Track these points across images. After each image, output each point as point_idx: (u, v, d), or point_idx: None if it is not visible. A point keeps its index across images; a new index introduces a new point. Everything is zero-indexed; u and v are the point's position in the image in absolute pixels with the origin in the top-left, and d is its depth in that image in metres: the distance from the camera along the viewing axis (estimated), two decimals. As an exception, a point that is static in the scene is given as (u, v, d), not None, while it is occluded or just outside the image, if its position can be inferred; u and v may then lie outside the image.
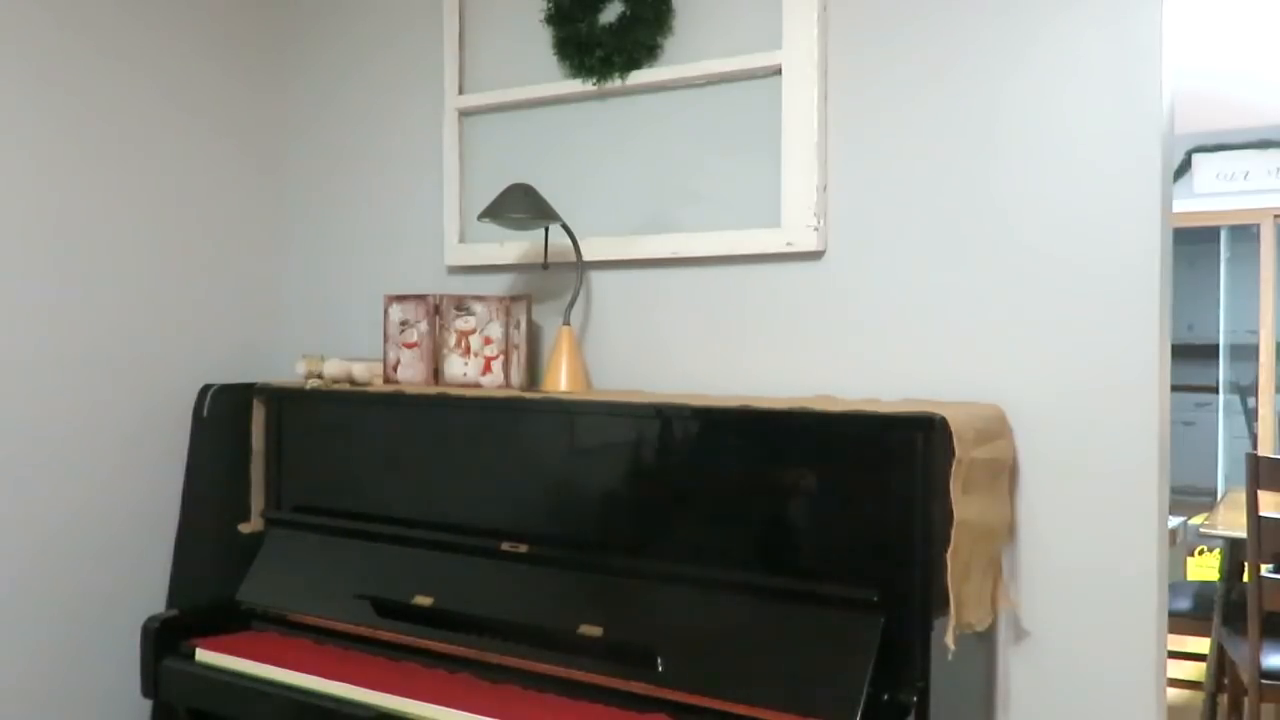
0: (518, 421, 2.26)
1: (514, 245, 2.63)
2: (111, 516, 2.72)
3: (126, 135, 2.73)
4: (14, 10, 2.51)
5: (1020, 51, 2.06)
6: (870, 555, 1.84)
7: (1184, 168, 5.97)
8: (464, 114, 2.73)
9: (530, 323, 2.57)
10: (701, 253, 2.37)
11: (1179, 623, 3.54)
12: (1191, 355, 6.90)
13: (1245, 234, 6.36)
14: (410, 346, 2.54)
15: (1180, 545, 5.12)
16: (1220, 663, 3.54)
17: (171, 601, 2.74)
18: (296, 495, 2.58)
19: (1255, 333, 6.09)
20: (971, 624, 1.85)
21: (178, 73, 2.84)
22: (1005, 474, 2.01)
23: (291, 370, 2.81)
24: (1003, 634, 2.06)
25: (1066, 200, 2.01)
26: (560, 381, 2.37)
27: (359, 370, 2.56)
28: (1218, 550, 4.44)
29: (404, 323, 2.55)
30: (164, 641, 2.36)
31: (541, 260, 2.51)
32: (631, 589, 2.04)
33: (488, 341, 2.47)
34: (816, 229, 2.23)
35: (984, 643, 2.03)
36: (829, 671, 1.78)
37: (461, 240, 2.74)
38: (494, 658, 2.12)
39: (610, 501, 2.13)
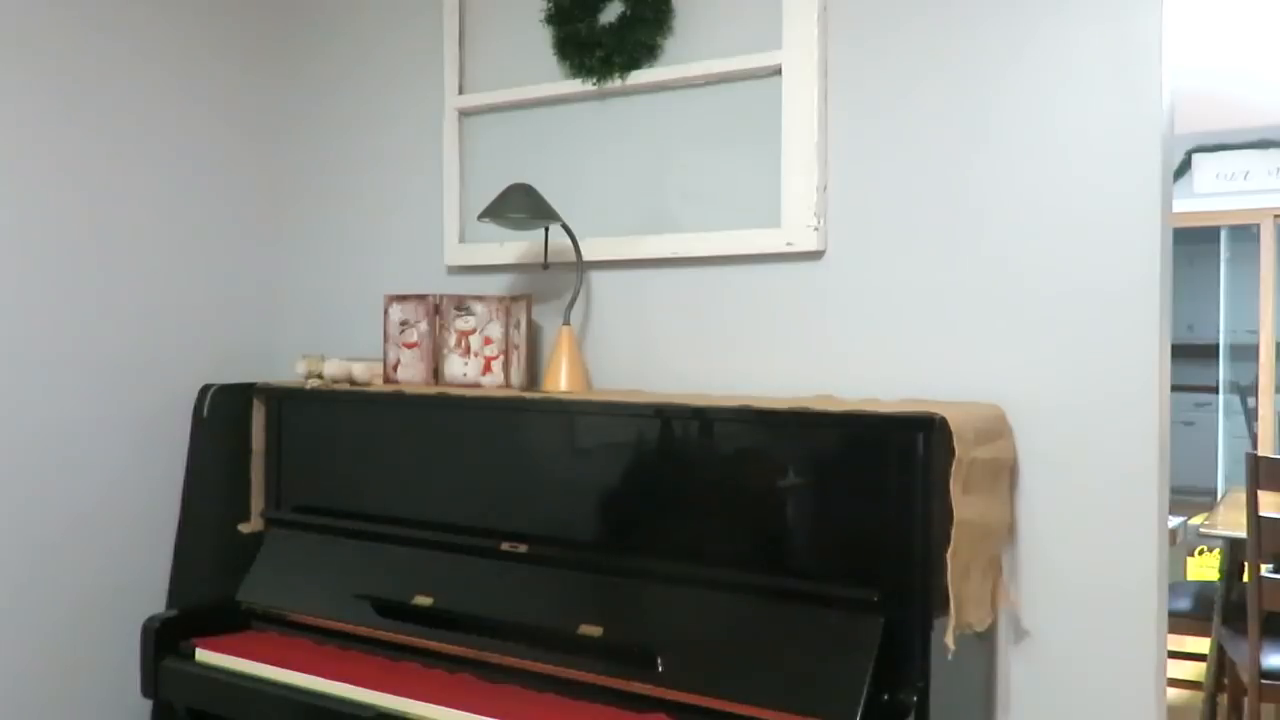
0: (518, 421, 2.26)
1: (514, 245, 2.63)
2: (111, 516, 2.72)
3: (125, 135, 2.73)
4: (12, 2, 2.51)
5: (1020, 51, 2.06)
6: (870, 555, 1.84)
7: (1184, 168, 5.97)
8: (464, 114, 2.73)
9: (530, 323, 2.57)
10: (701, 253, 2.37)
11: (1179, 623, 3.54)
12: (1191, 355, 6.90)
13: (1245, 234, 6.36)
14: (410, 346, 2.54)
15: (1180, 545, 5.12)
16: (1220, 663, 3.54)
17: (171, 601, 2.74)
18: (296, 495, 2.58)
19: (1255, 333, 6.09)
20: (971, 624, 1.85)
21: (177, 74, 2.84)
22: (1005, 474, 2.01)
23: (291, 370, 2.81)
24: (1003, 634, 2.06)
25: (1066, 200, 2.01)
26: (560, 381, 2.37)
27: (359, 370, 2.56)
28: (1218, 550, 4.44)
29: (404, 323, 2.55)
30: (164, 641, 2.37)
31: (541, 260, 2.51)
32: (631, 589, 2.04)
33: (488, 341, 2.47)
34: (816, 229, 2.23)
35: (984, 643, 2.03)
36: (829, 671, 1.78)
37: (461, 240, 2.74)
38: (494, 658, 2.13)
39: (610, 501, 2.13)
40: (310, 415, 2.59)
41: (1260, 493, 2.96)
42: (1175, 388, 2.07)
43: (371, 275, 2.91)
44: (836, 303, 2.24)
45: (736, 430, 2.02)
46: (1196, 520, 4.09)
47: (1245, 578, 3.03)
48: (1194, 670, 3.99)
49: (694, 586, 1.97)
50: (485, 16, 2.71)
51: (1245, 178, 5.91)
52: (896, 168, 2.18)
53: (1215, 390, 7.02)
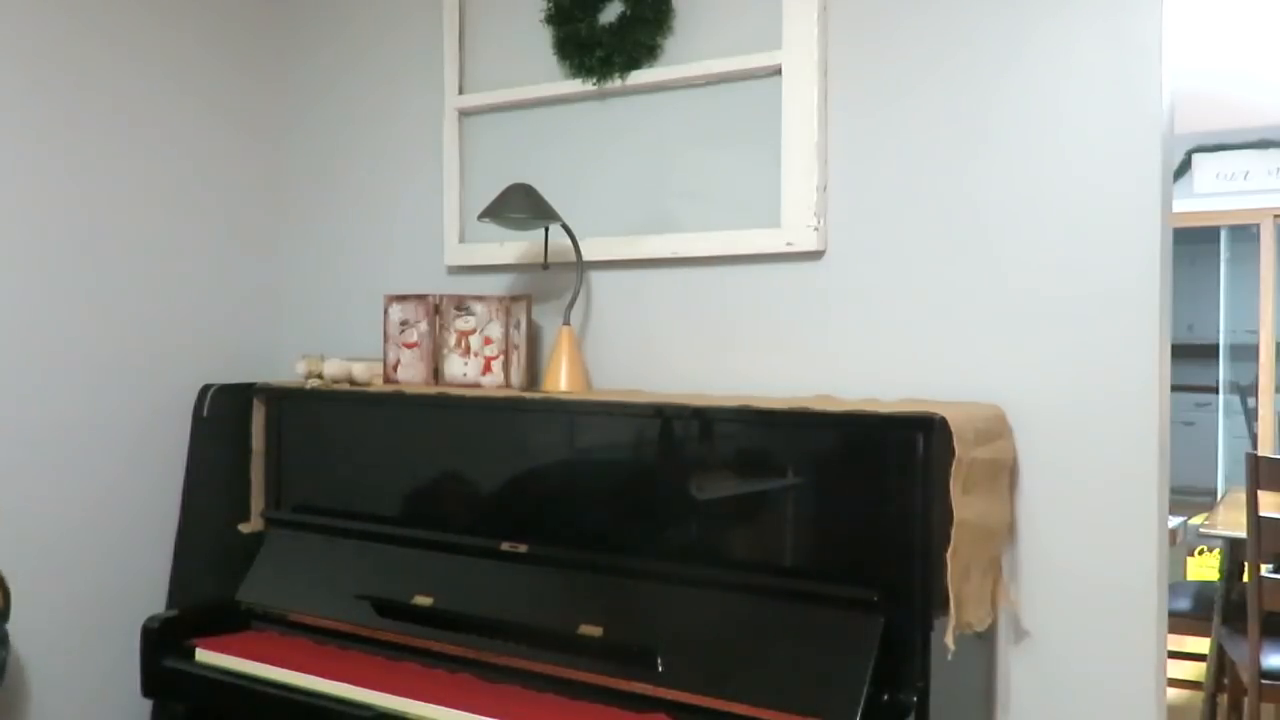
0: (518, 421, 2.26)
1: (514, 245, 2.63)
2: (111, 516, 2.72)
3: (125, 135, 2.73)
4: (12, 8, 2.51)
5: (1020, 52, 2.06)
6: (870, 555, 1.84)
7: (1184, 168, 5.97)
8: (464, 114, 2.73)
9: (530, 323, 2.57)
10: (701, 253, 2.37)
11: (1179, 623, 3.54)
12: (1191, 355, 6.90)
13: (1245, 234, 6.36)
14: (410, 346, 2.54)
15: (1180, 545, 5.13)
16: (1220, 663, 3.54)
17: (171, 601, 2.74)
18: (296, 495, 2.58)
19: (1255, 333, 6.09)
20: (971, 624, 1.85)
21: (177, 73, 2.84)
22: (1005, 474, 2.01)
23: (291, 370, 2.81)
24: (1003, 634, 2.06)
25: (1066, 200, 2.01)
26: (560, 381, 2.37)
27: (359, 370, 2.56)
28: (1218, 550, 4.44)
29: (404, 323, 2.55)
30: (164, 641, 2.36)
31: (541, 260, 2.51)
32: (631, 589, 2.04)
33: (488, 341, 2.47)
34: (816, 229, 2.23)
35: (984, 643, 2.03)
36: (829, 671, 1.78)
37: (461, 240, 2.74)
38: (494, 658, 2.12)
39: (610, 501, 2.13)
40: (310, 415, 2.59)
41: (1260, 493, 2.96)
42: (1175, 388, 2.07)
43: (371, 275, 2.91)
44: (836, 303, 2.24)
45: (736, 430, 2.02)
46: (1196, 520, 4.09)
47: (1245, 578, 3.03)
48: (1194, 670, 3.99)
49: (694, 586, 1.97)
50: (485, 16, 2.71)
51: (1245, 178, 5.91)
52: (896, 167, 2.18)
53: (1215, 390, 7.02)
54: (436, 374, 2.53)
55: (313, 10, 3.04)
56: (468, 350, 2.49)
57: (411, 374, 2.54)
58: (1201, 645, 3.76)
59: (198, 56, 2.89)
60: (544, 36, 2.58)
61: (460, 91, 2.73)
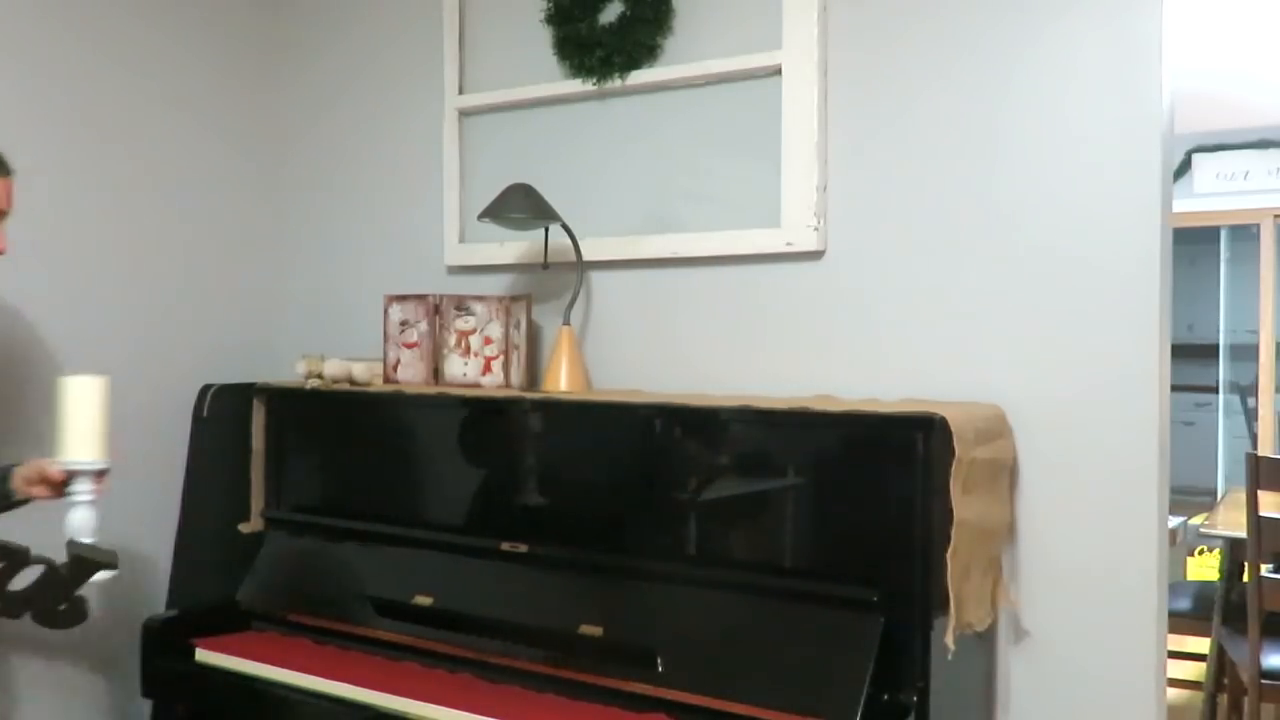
0: (518, 421, 2.26)
1: (514, 245, 2.63)
2: (111, 516, 2.71)
3: (125, 136, 2.73)
4: (12, 9, 2.51)
5: (1021, 51, 2.06)
6: (870, 555, 1.84)
7: (1184, 168, 5.96)
8: (464, 114, 2.73)
9: (530, 323, 2.56)
10: (702, 253, 2.37)
11: (1179, 623, 3.54)
12: (1191, 355, 6.89)
13: (1245, 234, 6.35)
14: (410, 346, 2.54)
15: (1180, 545, 5.12)
16: (1220, 663, 3.54)
17: (171, 601, 2.74)
18: (296, 495, 2.58)
19: (1255, 333, 6.09)
20: (971, 624, 1.85)
21: (178, 73, 2.84)
22: (1005, 474, 2.01)
23: (291, 370, 2.81)
24: (1003, 634, 2.06)
25: (1067, 200, 2.01)
26: (560, 381, 2.37)
27: (359, 370, 2.56)
28: (1218, 550, 4.44)
29: (404, 323, 2.55)
30: (164, 641, 2.37)
31: (541, 260, 2.51)
32: (631, 589, 2.04)
33: (488, 341, 2.47)
34: (816, 229, 2.23)
35: (984, 643, 2.03)
36: (829, 671, 1.78)
37: (461, 240, 2.74)
38: (494, 658, 2.12)
39: (610, 501, 2.13)
40: (310, 415, 2.59)
41: (1260, 493, 2.96)
42: (1175, 388, 2.07)
43: (371, 275, 2.90)
44: (836, 303, 2.24)
45: (737, 430, 2.02)
46: (1196, 520, 4.09)
47: (1245, 578, 3.03)
48: (1194, 670, 3.99)
49: (694, 586, 1.97)
50: (485, 16, 2.71)
51: (1245, 178, 5.91)
52: (896, 168, 2.18)
53: (1215, 390, 7.02)
54: (436, 374, 2.53)
55: (313, 12, 3.04)
56: (468, 350, 2.49)
57: (411, 374, 2.54)
58: (1201, 645, 3.76)
59: (198, 60, 2.89)
60: (544, 36, 2.58)
61: (460, 92, 2.73)
